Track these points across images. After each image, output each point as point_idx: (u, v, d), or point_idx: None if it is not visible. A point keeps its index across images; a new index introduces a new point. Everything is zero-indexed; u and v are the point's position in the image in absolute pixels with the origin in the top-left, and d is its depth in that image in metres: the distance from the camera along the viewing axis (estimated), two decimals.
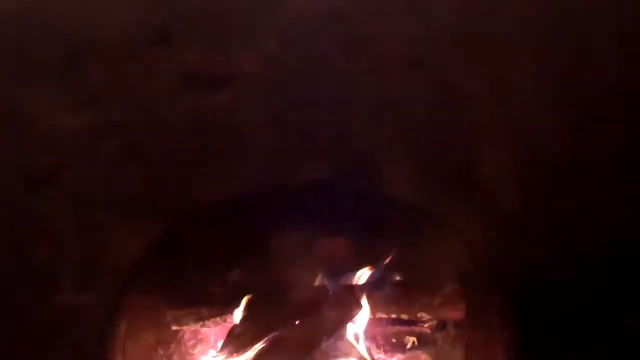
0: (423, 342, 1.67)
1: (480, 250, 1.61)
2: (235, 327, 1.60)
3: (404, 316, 1.64)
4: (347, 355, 1.59)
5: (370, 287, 1.65)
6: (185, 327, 1.65)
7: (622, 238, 1.35)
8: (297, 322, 1.56)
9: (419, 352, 1.66)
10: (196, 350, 1.67)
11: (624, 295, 1.36)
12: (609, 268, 1.37)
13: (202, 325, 1.64)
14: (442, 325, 1.70)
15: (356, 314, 1.57)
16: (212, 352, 1.64)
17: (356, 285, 1.63)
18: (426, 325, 1.68)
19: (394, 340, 1.67)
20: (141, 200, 1.50)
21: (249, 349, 1.53)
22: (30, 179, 1.31)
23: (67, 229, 1.41)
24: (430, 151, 1.48)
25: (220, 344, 1.59)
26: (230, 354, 1.53)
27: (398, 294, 1.65)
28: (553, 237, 1.45)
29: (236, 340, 1.54)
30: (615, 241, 1.36)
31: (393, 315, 1.65)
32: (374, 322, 1.65)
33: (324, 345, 1.55)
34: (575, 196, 1.38)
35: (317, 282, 1.66)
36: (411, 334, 1.67)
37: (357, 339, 1.62)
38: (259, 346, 1.53)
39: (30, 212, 1.34)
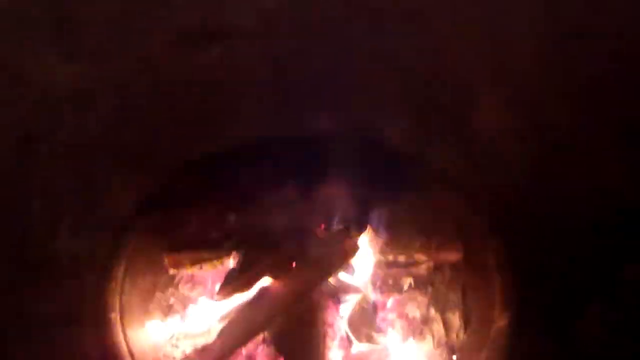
0: (420, 283, 1.68)
1: (479, 197, 1.60)
2: (232, 270, 1.60)
3: (401, 258, 1.65)
4: (344, 296, 1.60)
5: (367, 230, 1.64)
6: (182, 271, 1.65)
7: (624, 186, 1.33)
8: (293, 265, 1.56)
9: (416, 293, 1.67)
10: (193, 293, 1.68)
11: (624, 245, 1.35)
12: (609, 217, 1.36)
13: (200, 269, 1.65)
14: (439, 268, 1.71)
15: (352, 256, 1.57)
16: (210, 295, 1.66)
17: (353, 229, 1.62)
18: (423, 267, 1.68)
19: (391, 282, 1.68)
20: (137, 151, 1.50)
21: (247, 292, 1.54)
22: (26, 130, 1.29)
23: (64, 179, 1.41)
24: (429, 101, 1.47)
25: (217, 287, 1.59)
26: (228, 296, 1.54)
27: (395, 237, 1.65)
28: (553, 184, 1.43)
29: (234, 283, 1.55)
30: (617, 190, 1.35)
31: (390, 257, 1.65)
32: (371, 264, 1.66)
33: (321, 287, 1.55)
34: (576, 145, 1.36)
35: (314, 227, 1.65)
36: (408, 275, 1.68)
37: (354, 280, 1.63)
38: (256, 288, 1.54)
39: (28, 164, 1.33)
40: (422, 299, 1.67)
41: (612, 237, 1.36)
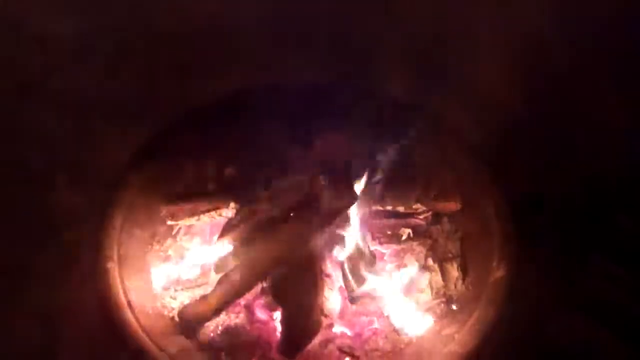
0: (418, 234, 1.68)
1: (478, 147, 1.59)
2: (230, 220, 1.60)
3: (400, 208, 1.64)
4: (342, 246, 1.59)
5: (366, 179, 1.63)
6: (180, 222, 1.65)
7: (622, 141, 1.32)
8: (291, 214, 1.55)
9: (414, 243, 1.66)
10: (191, 244, 1.67)
11: (620, 196, 1.35)
12: (606, 168, 1.35)
13: (197, 220, 1.64)
14: (437, 219, 1.70)
15: (350, 205, 1.56)
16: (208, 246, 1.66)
17: (351, 178, 1.60)
18: (422, 217, 1.67)
19: (389, 232, 1.67)
20: (134, 102, 1.48)
21: (245, 241, 1.54)
22: (22, 82, 1.28)
23: (60, 131, 1.39)
24: (428, 51, 1.45)
25: (215, 238, 1.59)
26: (226, 247, 1.54)
27: (394, 187, 1.64)
28: (551, 135, 1.43)
29: (232, 233, 1.55)
30: (615, 143, 1.33)
31: (389, 207, 1.64)
32: (369, 214, 1.65)
33: (320, 236, 1.55)
34: (574, 99, 1.34)
35: (311, 176, 1.63)
36: (406, 226, 1.68)
37: (352, 231, 1.62)
38: (254, 238, 1.53)
39: (23, 116, 1.32)
40: (421, 250, 1.67)
41: (608, 187, 1.36)
